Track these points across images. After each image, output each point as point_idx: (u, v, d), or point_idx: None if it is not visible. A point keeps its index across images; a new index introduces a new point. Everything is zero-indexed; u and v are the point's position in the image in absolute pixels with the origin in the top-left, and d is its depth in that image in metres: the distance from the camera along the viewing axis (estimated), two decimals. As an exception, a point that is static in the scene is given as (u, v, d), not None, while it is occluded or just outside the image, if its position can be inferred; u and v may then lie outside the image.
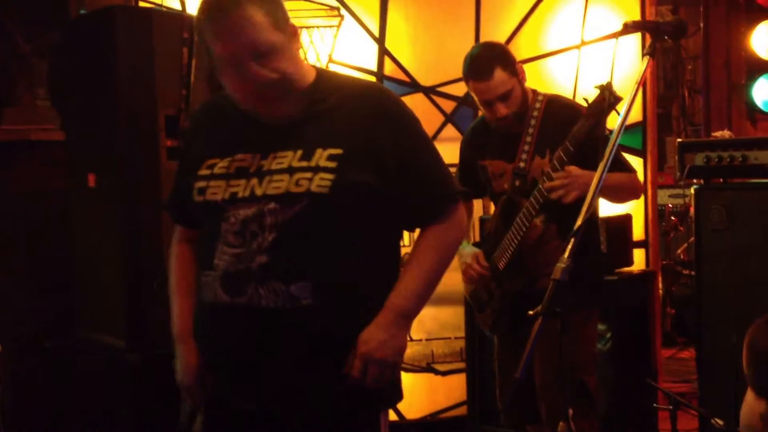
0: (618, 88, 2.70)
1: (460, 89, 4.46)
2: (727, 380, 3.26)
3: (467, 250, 3.14)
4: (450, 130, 4.48)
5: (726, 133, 4.11)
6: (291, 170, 1.82)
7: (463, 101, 4.46)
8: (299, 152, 1.84)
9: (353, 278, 1.86)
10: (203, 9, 1.82)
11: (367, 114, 1.87)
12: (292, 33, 1.88)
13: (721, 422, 3.02)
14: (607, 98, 2.67)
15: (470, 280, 3.15)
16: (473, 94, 3.05)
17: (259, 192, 1.82)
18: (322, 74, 1.96)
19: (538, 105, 3.03)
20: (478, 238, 3.95)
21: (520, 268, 3.04)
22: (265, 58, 1.79)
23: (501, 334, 3.20)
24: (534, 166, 3.00)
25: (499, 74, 2.94)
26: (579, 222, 2.25)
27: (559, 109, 3.06)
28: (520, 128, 3.04)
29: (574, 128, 2.82)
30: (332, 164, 1.81)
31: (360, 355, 1.81)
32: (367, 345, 1.81)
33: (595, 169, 2.76)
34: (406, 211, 1.93)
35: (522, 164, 3.01)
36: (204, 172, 1.90)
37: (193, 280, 1.96)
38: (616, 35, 3.18)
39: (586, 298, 3.06)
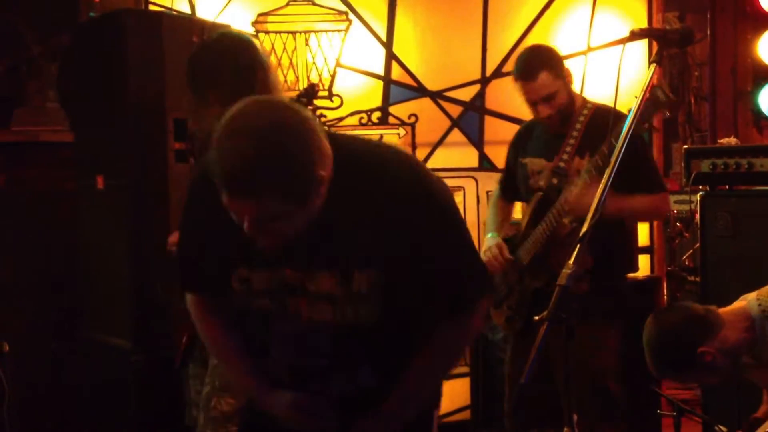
0: (623, 96, 2.69)
1: (466, 94, 4.49)
2: (731, 387, 3.27)
3: (493, 240, 3.19)
4: (456, 135, 4.50)
5: (732, 140, 4.12)
6: (332, 299, 1.76)
7: (469, 106, 4.48)
8: (336, 274, 1.75)
9: (410, 356, 1.86)
10: (223, 183, 1.62)
11: (397, 213, 1.73)
12: (315, 193, 1.66)
13: (724, 429, 3.02)
14: (660, 97, 2.66)
15: (493, 271, 3.17)
16: (520, 94, 3.12)
17: (305, 314, 1.79)
18: (340, 170, 1.71)
19: (585, 111, 3.10)
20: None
21: (544, 266, 3.07)
22: (279, 221, 1.66)
23: (514, 331, 3.21)
24: (573, 166, 3.06)
25: (544, 77, 3.02)
26: (584, 228, 2.26)
27: (606, 117, 3.03)
28: (564, 130, 3.10)
29: (617, 127, 2.80)
30: (374, 293, 1.75)
31: None
32: None
33: (630, 181, 2.81)
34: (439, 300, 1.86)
35: (562, 163, 3.07)
36: (242, 273, 1.81)
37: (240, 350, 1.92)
38: (622, 42, 3.17)
39: (610, 307, 3.09)
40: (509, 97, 4.54)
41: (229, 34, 2.99)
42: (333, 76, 4.35)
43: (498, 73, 4.46)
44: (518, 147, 3.28)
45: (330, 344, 1.81)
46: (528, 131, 3.28)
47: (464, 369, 4.24)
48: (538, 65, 3.03)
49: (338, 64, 4.35)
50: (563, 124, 3.10)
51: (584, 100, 3.16)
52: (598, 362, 3.00)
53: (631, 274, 4.16)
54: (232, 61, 2.72)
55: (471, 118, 4.51)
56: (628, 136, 2.58)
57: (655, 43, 2.57)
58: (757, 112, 4.70)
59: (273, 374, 1.87)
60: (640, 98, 2.37)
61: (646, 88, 2.49)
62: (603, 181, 2.41)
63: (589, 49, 4.45)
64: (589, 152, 3.01)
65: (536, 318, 2.32)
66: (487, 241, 3.24)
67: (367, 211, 1.72)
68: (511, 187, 3.33)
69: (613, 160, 2.44)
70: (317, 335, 1.80)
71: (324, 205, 1.68)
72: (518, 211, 3.50)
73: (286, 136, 1.59)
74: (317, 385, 1.83)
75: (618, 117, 2.93)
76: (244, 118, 1.61)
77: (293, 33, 4.32)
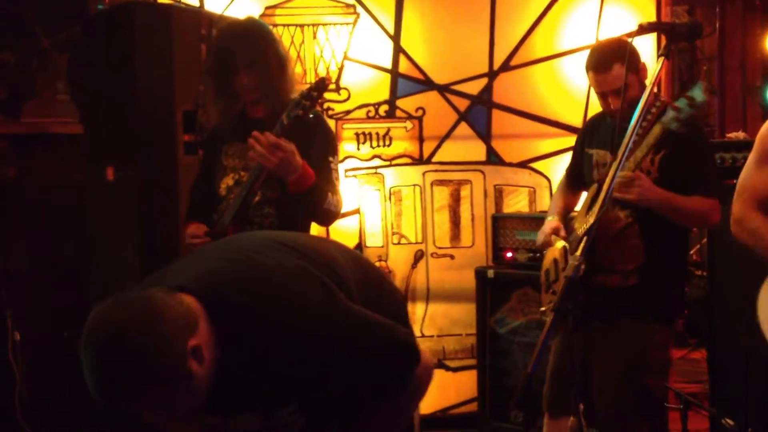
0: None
1: (474, 87, 4.49)
2: (738, 381, 3.28)
3: (551, 222, 3.19)
4: (464, 128, 4.50)
5: (741, 135, 4.12)
6: (265, 429, 1.86)
7: (477, 99, 4.48)
8: (258, 414, 1.85)
9: None
10: (90, 376, 1.67)
11: (291, 360, 1.72)
12: (190, 368, 1.65)
13: (731, 422, 3.03)
14: (694, 101, 2.64)
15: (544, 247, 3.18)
16: (592, 84, 3.12)
17: None
18: (222, 329, 1.70)
19: (655, 107, 2.99)
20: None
21: (591, 257, 3.02)
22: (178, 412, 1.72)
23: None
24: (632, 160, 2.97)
25: (617, 70, 2.98)
26: (591, 221, 2.27)
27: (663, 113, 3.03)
28: (629, 122, 3.04)
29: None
30: (298, 417, 1.84)
31: None
32: None
33: (685, 179, 2.80)
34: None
35: (619, 154, 3.03)
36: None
37: None
38: (631, 36, 3.14)
39: (659, 304, 3.01)
40: (517, 91, 4.57)
41: (258, 21, 3.00)
42: (340, 70, 4.36)
43: (506, 67, 4.46)
44: (586, 137, 3.26)
45: None
46: (597, 122, 3.25)
47: (471, 361, 4.27)
48: (612, 58, 3.01)
49: (346, 58, 4.36)
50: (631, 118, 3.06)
51: (656, 97, 3.09)
52: (639, 358, 2.95)
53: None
54: (273, 48, 2.76)
55: (478, 112, 4.50)
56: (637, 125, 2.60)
57: (663, 37, 2.57)
58: (766, 106, 4.70)
59: None
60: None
61: (653, 82, 2.50)
62: (609, 176, 2.42)
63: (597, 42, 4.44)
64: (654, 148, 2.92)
65: (542, 308, 2.35)
66: (546, 224, 3.21)
67: (262, 365, 1.71)
68: (577, 176, 3.29)
69: (625, 143, 2.45)
70: None
71: (231, 366, 1.70)
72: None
73: (135, 334, 1.62)
74: None
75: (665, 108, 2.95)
76: (96, 328, 1.66)
77: (301, 26, 4.33)
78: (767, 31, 4.72)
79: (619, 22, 4.42)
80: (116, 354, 1.61)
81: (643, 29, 2.68)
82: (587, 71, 3.10)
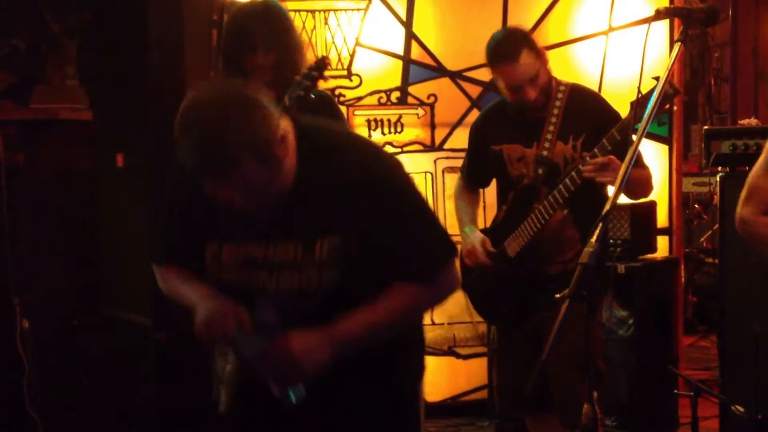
0: (645, 75, 2.66)
1: (486, 74, 4.41)
2: (748, 368, 3.27)
3: (474, 235, 3.12)
4: (476, 115, 4.46)
5: (753, 121, 4.09)
6: (297, 266, 1.84)
7: (489, 86, 4.45)
8: (300, 244, 1.84)
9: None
10: (200, 167, 1.75)
11: (355, 191, 1.83)
12: (282, 154, 1.78)
13: (742, 409, 3.03)
14: (668, 90, 2.65)
15: (477, 264, 3.11)
16: (500, 79, 3.01)
17: (271, 286, 1.86)
18: (304, 147, 1.85)
19: (561, 92, 3.01)
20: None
21: (533, 256, 3.03)
22: (260, 187, 1.77)
23: (504, 322, 3.20)
24: (557, 153, 2.98)
25: (527, 56, 2.91)
26: (607, 207, 2.25)
27: (583, 96, 3.05)
28: (540, 114, 3.01)
29: (625, 117, 2.80)
30: (335, 258, 1.82)
31: (282, 345, 1.80)
32: (296, 342, 1.81)
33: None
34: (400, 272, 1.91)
35: (545, 152, 2.98)
36: (213, 248, 1.90)
37: None
38: (647, 21, 3.15)
39: (601, 284, 3.07)
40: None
41: (277, 3, 2.92)
42: (352, 56, 4.34)
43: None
44: (488, 132, 3.15)
45: (296, 316, 1.83)
46: (497, 115, 3.15)
47: (482, 349, 4.27)
48: (518, 45, 2.91)
49: (357, 44, 4.34)
50: (544, 108, 3.00)
51: (556, 81, 3.04)
52: (588, 341, 2.96)
53: (649, 255, 4.18)
54: (293, 30, 2.76)
55: (490, 99, 4.46)
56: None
57: (679, 23, 2.54)
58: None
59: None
60: (660, 89, 2.35)
61: (668, 74, 2.48)
62: (626, 160, 2.40)
63: (610, 29, 4.42)
64: (572, 135, 2.95)
65: (557, 296, 2.33)
66: (465, 236, 3.14)
67: (328, 187, 1.82)
68: (478, 174, 3.22)
69: (636, 142, 2.43)
70: (283, 308, 1.84)
71: (298, 182, 1.81)
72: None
73: (237, 104, 1.71)
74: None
75: (597, 101, 2.94)
76: (198, 103, 1.74)
77: (312, 12, 4.31)
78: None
79: (631, 8, 4.39)
80: (221, 122, 1.68)
81: (660, 14, 2.65)
82: (493, 67, 2.99)
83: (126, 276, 3.51)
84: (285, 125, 1.78)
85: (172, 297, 2.04)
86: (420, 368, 2.10)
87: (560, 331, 2.16)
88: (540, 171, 2.99)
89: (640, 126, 2.45)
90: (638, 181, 2.98)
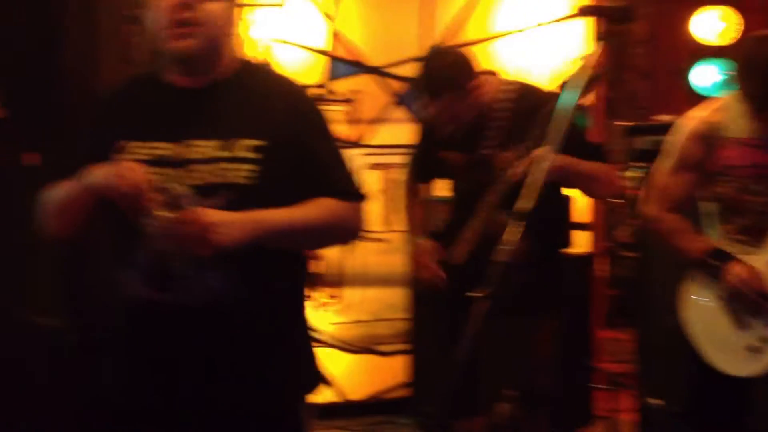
0: (568, 72, 2.67)
1: (410, 70, 4.46)
2: (664, 361, 3.34)
3: (421, 243, 3.08)
4: (400, 111, 4.48)
5: (669, 117, 4.16)
6: (211, 161, 1.81)
7: (413, 82, 4.45)
8: (218, 141, 1.82)
9: (276, 270, 1.86)
10: None
11: (287, 109, 1.88)
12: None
13: (658, 401, 3.10)
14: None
15: (423, 277, 3.07)
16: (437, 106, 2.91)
17: (183, 183, 1.79)
18: (250, 63, 1.99)
19: (507, 94, 2.93)
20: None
21: (476, 262, 3.00)
22: None
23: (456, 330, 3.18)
24: (500, 159, 2.90)
25: (448, 98, 2.85)
26: (527, 205, 2.26)
27: (530, 97, 2.92)
28: (483, 118, 2.93)
29: (546, 108, 2.66)
30: (255, 155, 1.81)
31: (196, 214, 1.73)
32: (211, 213, 1.74)
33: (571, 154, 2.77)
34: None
35: (487, 155, 2.93)
36: (121, 148, 1.84)
37: None
38: (568, 18, 3.21)
39: (551, 301, 3.07)
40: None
41: None
42: (271, 52, 4.27)
43: (439, 50, 4.44)
44: (433, 136, 3.07)
45: None
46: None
47: (405, 346, 4.27)
48: (441, 88, 2.84)
49: (278, 40, 4.28)
50: (480, 115, 2.92)
51: (500, 81, 2.99)
52: (528, 355, 2.99)
53: (567, 250, 4.23)
54: None
55: (412, 95, 4.48)
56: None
57: (599, 21, 2.57)
58: (693, 90, 4.77)
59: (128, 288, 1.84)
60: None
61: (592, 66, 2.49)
62: (544, 155, 2.40)
63: (532, 26, 4.45)
64: (518, 140, 2.82)
65: (473, 294, 2.33)
66: (416, 245, 3.09)
67: (258, 93, 1.89)
68: (425, 170, 3.18)
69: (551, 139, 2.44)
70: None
71: (216, 84, 1.87)
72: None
73: None
74: (173, 292, 1.79)
75: (544, 100, 2.91)
76: None
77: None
78: (693, 15, 4.79)
79: (552, 5, 4.44)
80: None
81: (581, 12, 2.68)
82: (433, 92, 2.87)
83: (37, 278, 3.41)
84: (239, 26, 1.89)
85: (57, 208, 1.93)
86: (310, 382, 1.98)
87: (477, 332, 2.20)
88: (480, 174, 2.96)
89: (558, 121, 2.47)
90: (592, 177, 2.93)
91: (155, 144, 1.83)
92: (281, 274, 1.89)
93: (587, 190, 3.04)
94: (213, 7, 1.81)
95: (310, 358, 1.98)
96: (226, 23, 1.87)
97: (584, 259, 4.45)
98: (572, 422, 4.12)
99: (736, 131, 2.56)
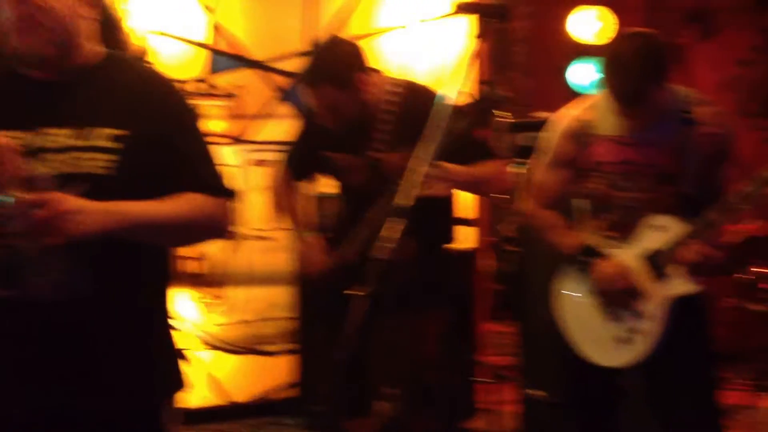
0: (449, 69, 2.69)
1: (296, 65, 4.41)
2: (545, 353, 3.41)
3: (309, 238, 3.05)
4: (284, 107, 4.42)
5: (546, 114, 4.25)
6: (65, 149, 1.74)
7: (299, 78, 4.40)
8: (72, 129, 1.75)
9: (135, 266, 1.80)
10: None
11: (153, 100, 1.82)
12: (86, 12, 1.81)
13: (539, 393, 3.15)
14: (494, 97, 2.65)
15: (314, 270, 3.05)
16: (318, 98, 2.90)
17: (40, 170, 1.70)
18: (116, 55, 1.90)
19: (393, 94, 2.92)
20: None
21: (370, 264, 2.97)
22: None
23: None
24: (390, 159, 2.89)
25: (329, 90, 2.83)
26: (407, 202, 2.26)
27: (420, 99, 2.88)
28: (369, 117, 2.91)
29: (453, 124, 2.58)
30: (114, 145, 1.75)
31: (52, 197, 1.65)
32: (66, 198, 1.66)
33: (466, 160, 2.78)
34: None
35: (377, 157, 2.92)
36: None
37: None
38: (447, 16, 3.21)
39: (435, 297, 3.08)
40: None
41: None
42: (148, 43, 4.14)
43: (322, 45, 4.41)
44: (316, 130, 3.03)
45: None
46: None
47: (290, 346, 4.23)
48: (323, 76, 2.82)
49: (154, 32, 4.15)
50: (366, 113, 2.91)
51: (385, 78, 2.97)
52: (417, 351, 3.01)
53: (452, 245, 4.28)
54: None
55: (297, 91, 4.43)
56: (452, 132, 2.58)
57: (478, 18, 2.59)
58: (571, 87, 4.90)
59: None
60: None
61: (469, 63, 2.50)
62: (427, 160, 2.41)
63: (415, 22, 4.47)
64: (407, 141, 2.74)
65: (352, 292, 2.32)
66: (304, 240, 3.08)
67: (124, 83, 1.82)
68: (305, 167, 3.15)
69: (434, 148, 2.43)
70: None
71: (74, 75, 1.79)
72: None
73: None
74: (22, 287, 1.70)
75: (429, 96, 2.90)
76: None
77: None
78: (570, 14, 4.93)
79: (437, 2, 4.47)
80: None
81: (459, 10, 2.69)
82: (318, 85, 2.86)
83: None
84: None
85: None
86: (171, 384, 1.90)
87: (358, 330, 2.18)
88: (371, 177, 2.93)
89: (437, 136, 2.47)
90: (488, 180, 2.98)
91: (7, 133, 1.73)
92: (141, 270, 1.82)
93: (477, 192, 3.07)
94: (58, 2, 1.74)
95: (172, 360, 1.91)
96: (76, 15, 1.79)
97: (469, 255, 4.51)
98: (456, 415, 4.17)
99: (606, 128, 2.63)
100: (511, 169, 4.00)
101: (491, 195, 3.24)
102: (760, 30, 5.73)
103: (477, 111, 2.61)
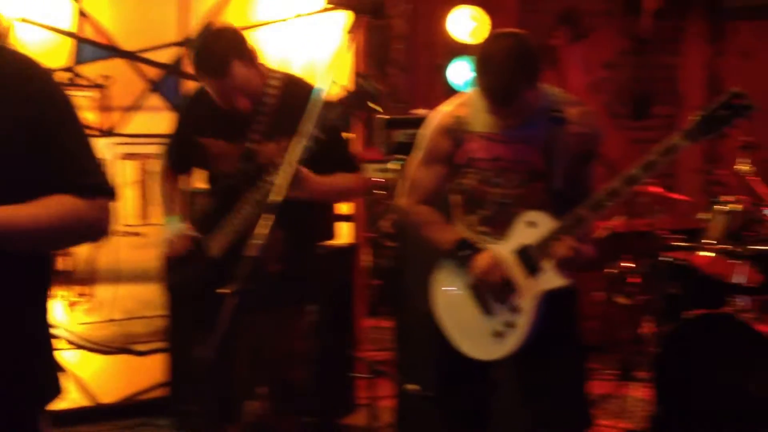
0: (327, 64, 2.65)
1: (166, 56, 4.30)
2: (420, 347, 3.43)
3: (176, 226, 3.00)
4: (155, 99, 4.30)
5: (425, 111, 4.29)
6: None
7: (169, 69, 4.29)
8: None
9: (5, 269, 1.70)
10: None
11: (26, 91, 1.71)
12: None
13: (414, 387, 3.17)
14: (369, 90, 2.63)
15: (174, 252, 2.98)
16: (208, 87, 2.83)
17: None
18: None
19: (273, 85, 2.88)
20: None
21: (236, 257, 2.90)
22: None
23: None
24: (264, 150, 2.85)
25: (237, 67, 2.77)
26: (277, 198, 2.23)
27: (297, 91, 2.86)
28: (247, 107, 2.86)
29: (326, 114, 2.60)
30: None
31: None
32: None
33: (330, 162, 2.75)
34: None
35: (251, 147, 2.87)
36: None
37: None
38: (323, 11, 3.19)
39: (301, 292, 3.04)
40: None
41: None
42: (10, 30, 3.94)
43: (199, 36, 4.31)
44: (194, 121, 3.00)
45: None
46: (200, 103, 2.95)
47: (161, 345, 4.12)
48: (226, 57, 2.75)
49: (19, 18, 3.95)
50: (253, 104, 2.88)
51: (267, 70, 2.94)
52: (282, 349, 2.98)
53: (329, 242, 4.26)
54: None
55: (171, 82, 4.33)
56: (324, 124, 2.55)
57: (352, 14, 2.57)
58: (450, 85, 4.96)
59: None
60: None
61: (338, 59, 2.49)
62: (295, 160, 2.38)
63: (292, 16, 4.43)
64: (283, 133, 2.79)
65: (222, 291, 2.27)
66: (170, 225, 3.01)
67: None
68: (181, 161, 3.09)
69: (306, 145, 2.39)
70: None
71: None
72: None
73: None
74: None
75: (306, 88, 2.86)
76: None
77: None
78: (449, 13, 4.98)
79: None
80: None
81: (331, 5, 2.66)
82: (199, 76, 2.83)
83: None
84: None
85: None
86: (49, 390, 1.83)
87: (227, 329, 2.13)
88: (244, 167, 2.87)
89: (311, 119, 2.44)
90: (348, 191, 3.00)
91: None
92: (12, 273, 1.71)
93: (334, 201, 3.06)
94: None
95: (50, 367, 1.83)
96: None
97: (347, 250, 4.50)
98: (334, 412, 4.16)
99: (479, 126, 2.66)
100: (372, 178, 4.03)
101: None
102: (628, 34, 5.96)
103: (351, 102, 2.61)
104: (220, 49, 2.76)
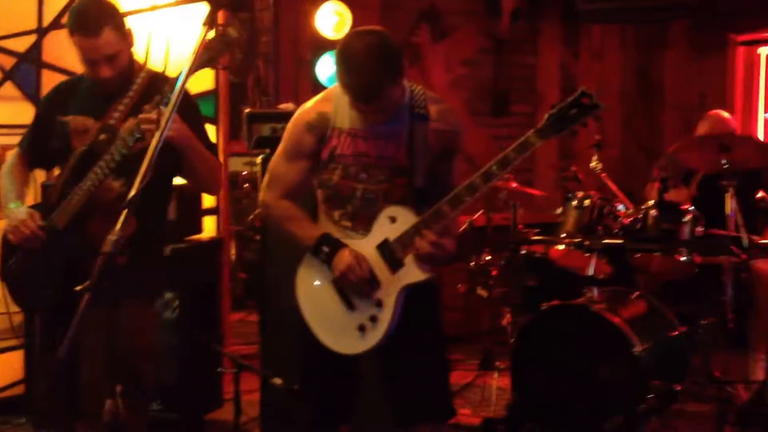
0: (186, 54, 2.63)
1: (22, 44, 4.15)
2: (284, 341, 3.45)
3: (20, 210, 2.91)
4: (10, 89, 4.16)
5: (291, 106, 4.30)
6: None
7: (24, 57, 4.14)
8: None
9: None
10: None
11: None
12: None
13: (279, 381, 3.18)
14: (232, 34, 2.63)
15: (21, 240, 2.88)
16: (77, 50, 2.87)
17: None
18: None
19: (142, 76, 2.95)
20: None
21: (82, 232, 2.86)
22: None
23: (46, 306, 2.97)
24: (125, 127, 2.85)
25: (109, 33, 2.83)
26: (133, 192, 2.19)
27: (162, 85, 2.85)
28: (117, 91, 2.93)
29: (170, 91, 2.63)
30: None
31: None
32: None
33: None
34: None
35: (112, 121, 2.89)
36: None
37: None
38: (184, 3, 3.14)
39: (149, 281, 3.03)
40: (69, 51, 4.28)
41: None
42: None
43: (57, 24, 4.19)
44: (57, 104, 3.02)
45: None
46: (71, 89, 3.05)
47: (17, 342, 3.97)
48: (102, 20, 2.82)
49: None
50: (120, 88, 2.93)
51: (142, 65, 3.02)
52: (129, 345, 2.97)
53: (195, 236, 4.22)
54: None
55: (27, 71, 4.18)
56: (184, 83, 2.52)
57: (209, 6, 2.56)
58: (317, 80, 4.99)
59: None
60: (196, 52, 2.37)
61: (200, 47, 2.46)
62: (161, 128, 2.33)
63: (155, 6, 4.35)
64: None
65: (78, 288, 2.21)
66: (11, 212, 2.93)
67: None
68: (39, 150, 3.04)
69: (170, 106, 2.36)
70: None
71: None
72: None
73: None
74: None
75: (169, 81, 2.87)
76: None
77: None
78: (317, 8, 5.00)
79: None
80: None
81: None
82: (72, 34, 2.88)
83: None
84: None
85: None
86: None
87: (82, 328, 2.08)
88: (102, 137, 2.87)
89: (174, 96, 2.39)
90: (204, 159, 2.94)
91: None
92: None
93: (195, 174, 2.99)
94: None
95: None
96: None
97: (213, 244, 4.47)
98: (201, 407, 4.13)
99: (342, 121, 2.70)
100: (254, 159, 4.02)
101: (203, 187, 3.23)
102: (488, 34, 6.14)
103: (215, 47, 2.60)
104: (97, 11, 2.85)
